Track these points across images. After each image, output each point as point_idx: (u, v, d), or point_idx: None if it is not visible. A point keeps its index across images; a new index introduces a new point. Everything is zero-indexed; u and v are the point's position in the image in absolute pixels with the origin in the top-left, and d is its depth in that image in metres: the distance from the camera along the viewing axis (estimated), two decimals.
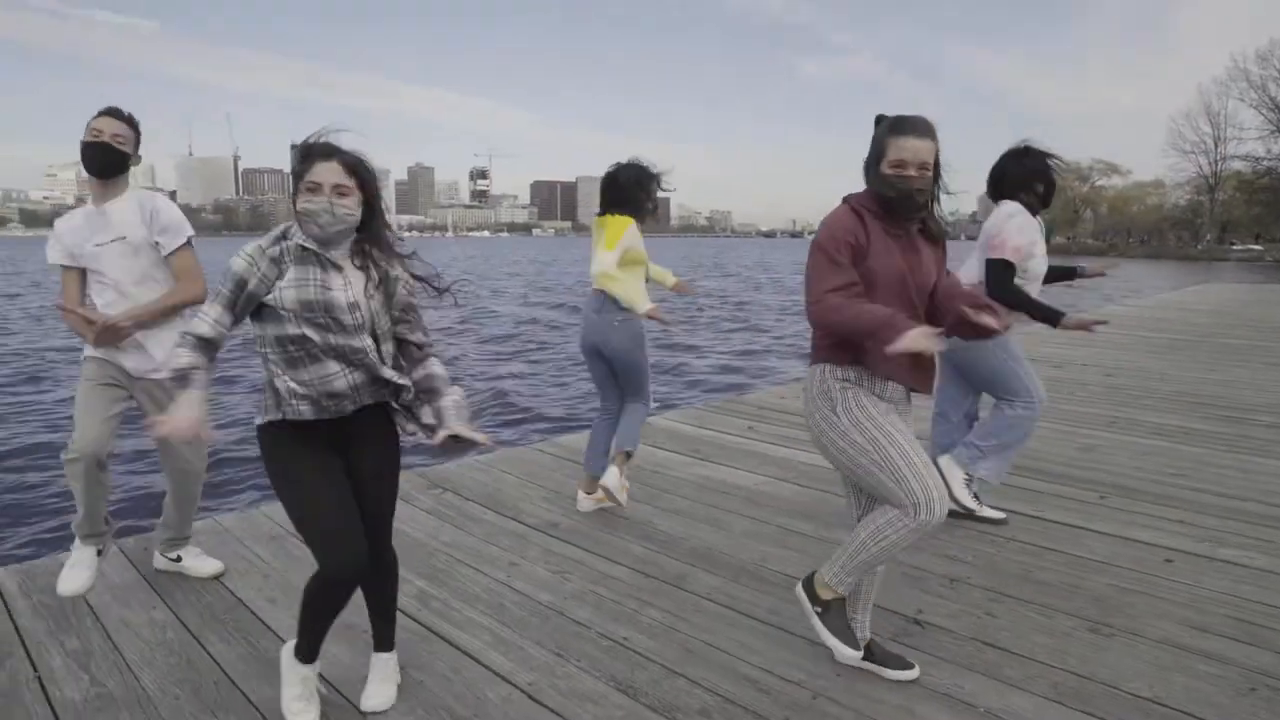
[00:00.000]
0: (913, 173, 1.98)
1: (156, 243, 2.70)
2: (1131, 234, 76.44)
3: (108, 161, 2.61)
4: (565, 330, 16.24)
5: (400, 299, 2.05)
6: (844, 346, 2.06)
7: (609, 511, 3.63)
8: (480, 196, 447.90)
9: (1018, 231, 3.11)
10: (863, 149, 2.12)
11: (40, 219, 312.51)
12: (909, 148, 1.98)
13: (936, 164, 2.04)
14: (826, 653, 2.29)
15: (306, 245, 1.93)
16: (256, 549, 3.19)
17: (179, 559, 2.94)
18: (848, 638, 2.22)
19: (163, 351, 2.65)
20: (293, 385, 1.93)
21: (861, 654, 2.25)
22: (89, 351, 2.71)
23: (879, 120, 2.09)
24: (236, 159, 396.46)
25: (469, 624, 2.62)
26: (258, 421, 2.01)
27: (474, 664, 2.38)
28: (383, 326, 2.03)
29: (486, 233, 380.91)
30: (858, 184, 2.14)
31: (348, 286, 1.96)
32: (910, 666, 2.27)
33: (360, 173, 1.95)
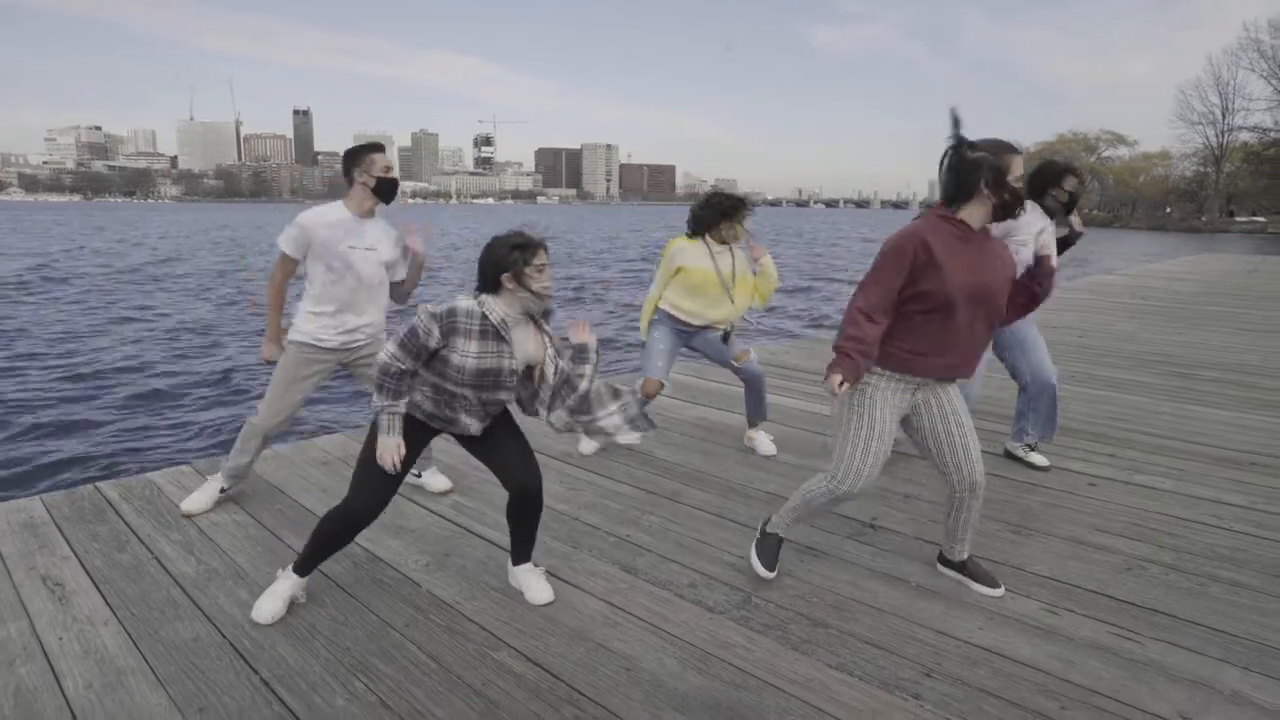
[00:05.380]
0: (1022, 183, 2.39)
1: (389, 266, 3.21)
2: (1137, 206, 76.10)
3: (394, 191, 3.09)
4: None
5: (557, 373, 2.44)
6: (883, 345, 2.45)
7: (613, 447, 4.15)
8: (484, 164, 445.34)
9: None
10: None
11: (39, 183, 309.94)
12: (1021, 165, 2.37)
13: None
14: (793, 546, 2.83)
15: (491, 319, 2.29)
16: (312, 471, 3.73)
17: (419, 475, 3.46)
18: (767, 562, 2.70)
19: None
20: (423, 407, 2.40)
21: (773, 574, 2.68)
22: (297, 337, 3.13)
23: (971, 145, 2.34)
24: (239, 124, 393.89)
25: (497, 524, 3.13)
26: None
27: (502, 552, 2.91)
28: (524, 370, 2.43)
29: (490, 200, 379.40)
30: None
31: (514, 355, 2.37)
32: (997, 586, 2.62)
33: None
